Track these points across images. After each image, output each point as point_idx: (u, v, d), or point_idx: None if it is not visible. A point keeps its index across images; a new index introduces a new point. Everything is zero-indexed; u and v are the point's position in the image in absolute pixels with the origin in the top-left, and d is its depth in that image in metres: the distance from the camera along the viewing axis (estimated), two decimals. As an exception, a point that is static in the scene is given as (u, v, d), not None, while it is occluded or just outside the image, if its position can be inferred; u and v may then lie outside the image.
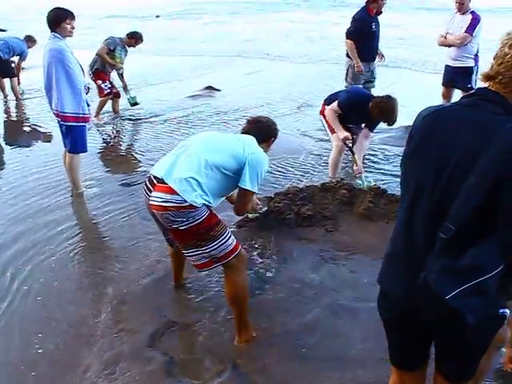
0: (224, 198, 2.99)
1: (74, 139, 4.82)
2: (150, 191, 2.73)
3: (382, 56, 6.97)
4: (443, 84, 6.71)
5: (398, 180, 1.81)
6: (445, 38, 6.36)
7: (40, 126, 7.44)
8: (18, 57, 8.98)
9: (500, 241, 1.46)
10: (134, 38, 7.63)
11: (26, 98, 9.10)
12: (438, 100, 6.45)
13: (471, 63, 6.31)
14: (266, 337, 2.95)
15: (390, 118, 4.59)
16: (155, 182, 2.72)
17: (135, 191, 4.89)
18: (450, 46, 6.40)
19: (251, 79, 10.49)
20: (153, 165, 2.95)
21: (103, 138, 6.96)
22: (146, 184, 2.80)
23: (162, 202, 2.63)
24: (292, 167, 5.62)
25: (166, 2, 28.57)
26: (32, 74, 9.22)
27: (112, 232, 4.28)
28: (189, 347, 2.90)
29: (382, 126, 5.01)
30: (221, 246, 2.72)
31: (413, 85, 9.60)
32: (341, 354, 2.82)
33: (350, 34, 6.65)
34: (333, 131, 5.02)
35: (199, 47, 14.40)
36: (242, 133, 3.10)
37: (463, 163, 1.51)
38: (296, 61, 12.50)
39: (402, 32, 15.82)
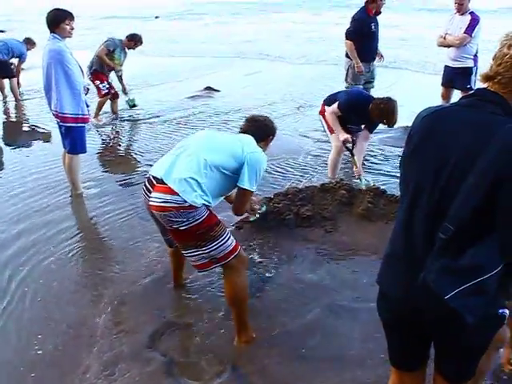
0: (222, 198, 2.99)
1: (74, 140, 4.82)
2: (150, 192, 2.73)
3: (381, 56, 6.98)
4: (442, 84, 6.72)
5: (397, 180, 1.81)
6: (444, 38, 6.37)
7: (39, 127, 7.43)
8: (17, 59, 9.00)
9: (499, 241, 1.47)
10: (134, 41, 7.64)
11: (26, 99, 9.10)
12: (437, 100, 6.46)
13: (470, 64, 6.31)
14: (265, 337, 2.94)
15: (390, 120, 4.60)
16: (154, 182, 2.72)
17: (134, 192, 4.89)
18: (449, 46, 6.41)
19: (251, 80, 10.50)
20: (152, 165, 2.95)
21: (102, 139, 6.96)
22: (145, 184, 2.80)
23: (162, 202, 2.63)
24: (291, 168, 5.62)
25: (165, 2, 28.60)
26: (31, 74, 9.22)
27: (111, 232, 4.28)
28: (188, 348, 2.90)
29: (382, 126, 5.03)
30: (220, 246, 2.72)
31: (412, 85, 9.61)
32: (340, 354, 2.82)
33: (349, 35, 6.66)
34: (332, 131, 5.03)
35: (199, 48, 14.41)
36: (240, 132, 3.10)
37: (462, 163, 1.51)
38: (296, 61, 12.52)
39: (402, 33, 15.85)
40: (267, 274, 3.57)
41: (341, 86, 6.84)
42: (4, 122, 8.02)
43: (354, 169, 5.04)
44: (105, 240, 4.22)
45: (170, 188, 2.62)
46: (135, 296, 3.37)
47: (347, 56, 6.78)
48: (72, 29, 4.62)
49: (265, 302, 3.29)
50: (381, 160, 5.83)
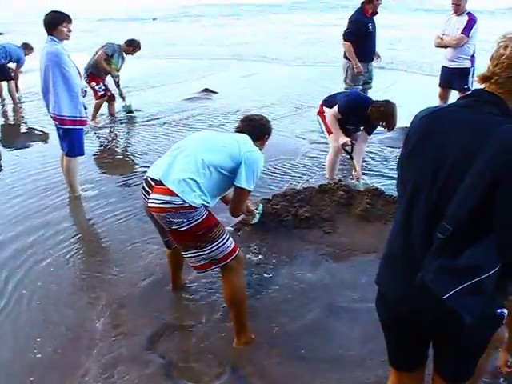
0: (219, 199, 2.99)
1: (72, 142, 4.82)
2: (149, 193, 2.73)
3: (378, 56, 6.99)
4: (440, 85, 6.73)
5: (395, 181, 1.81)
6: (441, 39, 6.39)
7: (37, 129, 7.43)
8: (15, 64, 9.01)
9: (497, 241, 1.47)
10: (132, 46, 7.67)
11: (24, 102, 9.10)
12: (435, 101, 6.47)
13: (468, 64, 6.33)
14: (264, 338, 2.94)
15: (390, 123, 4.61)
16: (153, 184, 2.72)
17: (133, 193, 4.89)
18: (446, 47, 6.42)
19: (248, 82, 10.51)
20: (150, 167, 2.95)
21: (100, 141, 6.95)
22: (143, 187, 2.80)
23: (161, 203, 2.63)
24: (289, 169, 5.62)
25: (162, 4, 28.63)
26: (29, 77, 9.23)
27: (109, 234, 4.27)
28: (187, 350, 2.89)
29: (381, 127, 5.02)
30: (220, 247, 2.72)
31: (410, 86, 9.63)
32: (340, 355, 2.82)
33: (347, 36, 6.67)
34: (330, 132, 5.03)
35: (197, 50, 14.43)
36: (236, 132, 3.11)
37: (460, 164, 1.51)
38: (293, 63, 12.53)
39: (399, 33, 15.89)
40: (266, 275, 3.58)
41: (338, 87, 6.84)
42: (2, 125, 8.02)
43: (353, 172, 5.05)
44: (103, 242, 4.22)
45: (168, 189, 2.63)
46: (134, 298, 3.36)
47: (345, 57, 6.78)
48: (69, 31, 4.62)
49: (264, 302, 3.29)
50: (379, 160, 5.84)
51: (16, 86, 9.20)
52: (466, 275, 1.48)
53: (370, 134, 5.12)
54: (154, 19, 23.03)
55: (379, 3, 6.67)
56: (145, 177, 2.84)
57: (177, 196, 2.60)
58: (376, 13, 6.75)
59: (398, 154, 1.79)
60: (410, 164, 1.68)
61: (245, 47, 14.74)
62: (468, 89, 6.14)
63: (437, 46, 6.56)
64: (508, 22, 14.84)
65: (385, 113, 4.57)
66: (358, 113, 4.76)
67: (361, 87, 6.84)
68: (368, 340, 2.85)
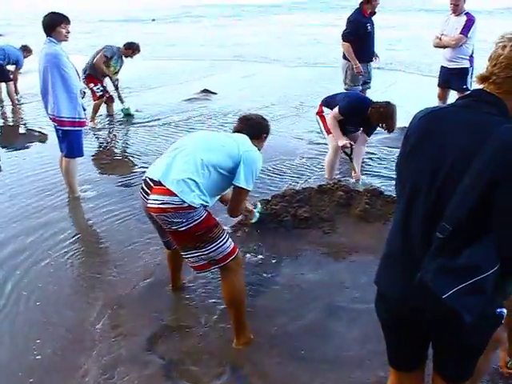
0: (218, 198, 2.99)
1: (71, 144, 4.82)
2: (148, 194, 2.73)
3: (377, 57, 7.00)
4: (439, 85, 6.74)
5: (395, 181, 1.81)
6: (440, 39, 6.39)
7: (36, 131, 7.43)
8: (13, 66, 9.01)
9: (496, 241, 1.47)
10: (131, 49, 7.68)
11: (22, 103, 9.09)
12: (433, 101, 6.48)
13: (466, 64, 6.33)
14: (264, 339, 2.94)
15: (390, 124, 4.62)
16: (152, 184, 2.72)
17: (132, 194, 4.89)
18: (445, 47, 6.42)
19: (248, 82, 10.52)
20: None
21: (100, 142, 6.96)
22: (142, 187, 2.80)
23: (161, 204, 2.63)
24: (288, 169, 5.62)
25: (162, 5, 28.63)
26: (28, 78, 9.23)
27: (109, 235, 4.27)
28: (187, 350, 2.89)
29: (379, 126, 5.03)
30: (219, 248, 2.72)
31: (409, 86, 9.64)
32: (339, 355, 2.82)
33: (345, 37, 6.67)
34: (329, 132, 5.04)
35: (198, 51, 14.43)
36: (234, 132, 3.11)
37: (459, 164, 1.51)
38: (293, 63, 12.53)
39: (399, 33, 15.91)
40: (265, 276, 3.57)
41: (338, 87, 6.85)
42: (1, 126, 8.02)
43: (353, 174, 5.05)
44: (102, 242, 4.22)
45: (168, 189, 2.63)
46: (133, 299, 3.36)
47: (344, 58, 6.79)
48: (68, 32, 4.63)
49: (263, 303, 3.29)
50: (378, 160, 5.85)
51: (15, 88, 9.22)
52: (466, 275, 1.48)
53: (369, 135, 5.13)
54: (153, 20, 23.04)
55: (377, 3, 6.68)
56: (143, 177, 2.84)
57: (176, 196, 2.60)
58: (374, 13, 6.76)
59: (397, 154, 1.80)
60: (409, 164, 1.68)
61: (246, 48, 14.74)
62: (467, 89, 6.15)
63: (435, 47, 6.57)
64: (506, 21, 14.88)
65: (384, 114, 4.57)
66: (358, 114, 4.76)
67: (360, 87, 6.85)
68: (368, 340, 2.85)
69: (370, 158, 5.87)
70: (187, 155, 2.72)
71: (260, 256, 3.81)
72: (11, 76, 9.00)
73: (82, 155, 5.03)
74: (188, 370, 2.74)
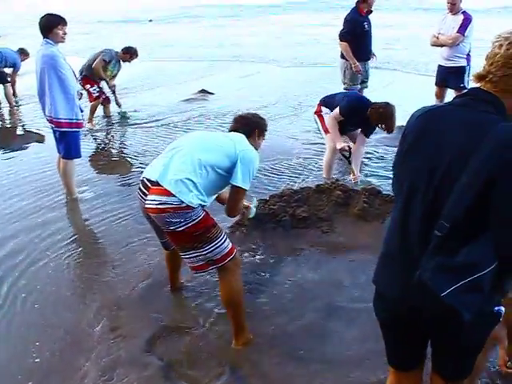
0: (215, 198, 2.98)
1: (68, 145, 4.81)
2: (145, 194, 2.73)
3: (374, 55, 7.00)
4: (436, 84, 6.75)
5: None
6: (437, 38, 6.40)
7: (33, 132, 7.42)
8: (11, 69, 9.00)
9: (494, 240, 1.47)
10: (129, 53, 7.69)
11: (20, 105, 9.08)
12: (431, 100, 6.48)
13: (463, 63, 6.34)
14: (263, 339, 2.94)
15: (389, 125, 4.63)
16: (149, 185, 2.71)
17: (130, 195, 4.88)
18: (442, 46, 6.43)
19: (245, 82, 10.51)
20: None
21: (97, 143, 6.95)
22: (139, 188, 2.80)
23: (159, 204, 2.63)
24: (286, 169, 5.62)
25: (162, 5, 28.61)
26: (25, 80, 9.21)
27: (107, 236, 4.27)
28: (186, 351, 2.89)
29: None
30: (217, 248, 2.72)
31: (407, 85, 9.64)
32: (339, 355, 2.82)
33: (343, 36, 6.67)
34: (327, 131, 5.04)
35: (196, 51, 14.39)
36: (230, 131, 3.10)
37: (456, 163, 1.51)
38: (292, 63, 12.52)
39: (397, 32, 15.90)
40: (264, 276, 3.57)
41: (336, 87, 6.85)
42: (-2, 128, 8.02)
43: (351, 176, 5.04)
44: (100, 243, 4.22)
45: (166, 190, 2.62)
46: (132, 300, 3.36)
47: (343, 57, 6.79)
48: (65, 34, 4.62)
49: (262, 303, 3.29)
50: (376, 159, 5.84)
51: (14, 92, 9.21)
52: (464, 273, 1.48)
53: (368, 136, 5.12)
54: (150, 20, 23.00)
55: (373, 1, 6.69)
56: (141, 178, 2.84)
57: (174, 196, 2.60)
58: (371, 11, 6.76)
59: (395, 153, 1.80)
60: (407, 163, 1.68)
61: (244, 48, 14.72)
62: (464, 87, 6.16)
63: (432, 45, 6.58)
64: (503, 20, 14.88)
65: (384, 115, 4.58)
66: (358, 114, 4.77)
67: (359, 86, 6.86)
68: (367, 340, 2.85)
69: (369, 158, 5.87)
70: (184, 155, 2.72)
71: (258, 256, 3.81)
72: (9, 78, 8.99)
73: (80, 156, 5.02)
74: (187, 371, 2.73)
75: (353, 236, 4.07)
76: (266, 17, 23.53)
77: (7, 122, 8.45)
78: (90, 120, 7.48)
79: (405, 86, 9.62)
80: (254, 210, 3.88)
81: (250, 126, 3.09)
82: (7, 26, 19.54)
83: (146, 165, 3.25)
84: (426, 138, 1.62)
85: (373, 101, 4.85)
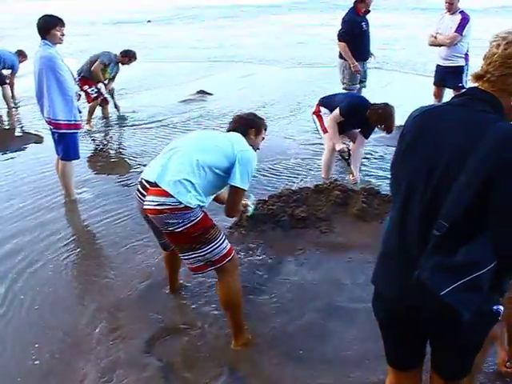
0: (213, 198, 2.98)
1: (67, 146, 4.81)
2: (144, 195, 2.72)
3: (372, 55, 7.01)
4: (434, 83, 6.76)
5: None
6: (435, 37, 6.41)
7: (32, 133, 7.41)
8: (9, 70, 8.99)
9: (493, 239, 1.47)
10: (128, 56, 7.69)
11: (18, 106, 9.07)
12: (429, 100, 6.49)
13: (461, 62, 6.35)
14: (262, 340, 2.94)
15: (388, 125, 4.64)
16: (148, 186, 2.71)
17: (128, 196, 4.87)
18: (440, 45, 6.44)
19: (244, 83, 10.50)
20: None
21: (96, 144, 6.94)
22: (138, 189, 2.80)
23: (157, 205, 2.63)
24: (285, 169, 5.62)
25: (157, 6, 28.58)
26: (23, 81, 9.20)
27: (106, 238, 4.26)
28: (185, 352, 2.89)
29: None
30: (215, 249, 2.72)
31: (404, 85, 9.64)
32: (338, 355, 2.82)
33: (341, 36, 6.68)
34: (325, 131, 5.04)
35: (196, 52, 14.38)
36: (228, 131, 3.10)
37: (454, 163, 1.51)
38: (291, 64, 12.52)
39: (395, 32, 15.90)
40: (263, 276, 3.57)
41: (335, 87, 6.85)
42: (-3, 129, 8.01)
43: (350, 177, 5.03)
44: (99, 245, 4.21)
45: (164, 190, 2.62)
46: (131, 301, 3.36)
47: (341, 57, 6.79)
48: (63, 35, 4.61)
49: (261, 303, 3.29)
50: (375, 159, 5.85)
51: (12, 94, 9.20)
52: (463, 272, 1.48)
53: (367, 137, 5.12)
54: (148, 21, 22.98)
55: (371, 1, 6.69)
56: (139, 179, 2.84)
57: (172, 197, 2.60)
58: (369, 11, 6.77)
59: (393, 152, 1.80)
60: (405, 163, 1.68)
61: (243, 49, 14.71)
62: (462, 87, 6.16)
63: (430, 45, 6.59)
64: (501, 20, 14.92)
65: (383, 115, 4.59)
66: (357, 115, 4.78)
67: (358, 86, 6.86)
68: (366, 339, 2.85)
69: (367, 158, 5.87)
70: (182, 156, 2.72)
71: (257, 256, 3.81)
72: (7, 80, 8.98)
73: (79, 157, 5.02)
74: (186, 372, 2.73)
75: (352, 236, 4.07)
76: (266, 17, 23.52)
77: (5, 123, 8.43)
78: (89, 121, 7.47)
79: (403, 86, 9.63)
80: (253, 207, 3.89)
81: (246, 125, 3.08)
82: (5, 27, 19.51)
83: (145, 165, 3.26)
84: (424, 138, 1.62)
85: (371, 101, 4.85)
